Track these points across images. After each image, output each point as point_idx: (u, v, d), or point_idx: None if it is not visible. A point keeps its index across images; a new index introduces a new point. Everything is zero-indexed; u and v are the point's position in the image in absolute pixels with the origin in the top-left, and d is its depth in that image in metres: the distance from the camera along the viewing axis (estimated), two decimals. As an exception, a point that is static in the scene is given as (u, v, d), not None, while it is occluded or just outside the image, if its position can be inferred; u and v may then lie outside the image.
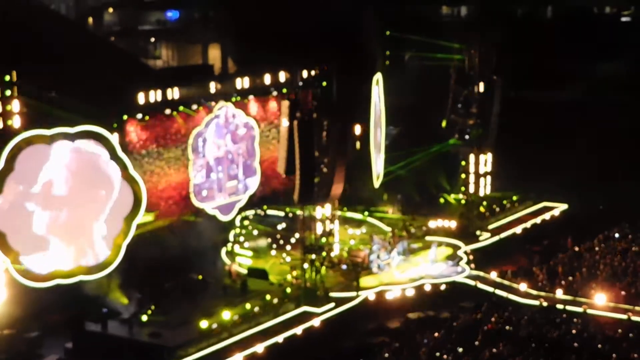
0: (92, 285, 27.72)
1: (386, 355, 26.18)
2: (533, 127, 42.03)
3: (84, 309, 27.41)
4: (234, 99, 33.44)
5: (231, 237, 34.29)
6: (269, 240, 34.19)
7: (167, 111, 31.03)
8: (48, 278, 26.93)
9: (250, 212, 35.89)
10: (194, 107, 31.91)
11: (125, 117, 29.74)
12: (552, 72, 44.06)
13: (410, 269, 32.46)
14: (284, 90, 34.88)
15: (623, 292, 29.79)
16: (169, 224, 31.49)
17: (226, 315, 27.32)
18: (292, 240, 33.84)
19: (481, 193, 39.04)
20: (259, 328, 27.30)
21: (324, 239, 32.05)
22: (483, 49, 38.31)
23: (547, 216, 38.89)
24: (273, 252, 33.57)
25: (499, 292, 30.75)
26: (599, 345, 26.06)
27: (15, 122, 26.26)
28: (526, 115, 42.68)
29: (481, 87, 38.51)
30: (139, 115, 30.21)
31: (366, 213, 38.32)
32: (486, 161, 39.83)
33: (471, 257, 33.69)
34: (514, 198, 40.25)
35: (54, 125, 26.81)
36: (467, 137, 38.73)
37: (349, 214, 37.75)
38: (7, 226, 26.35)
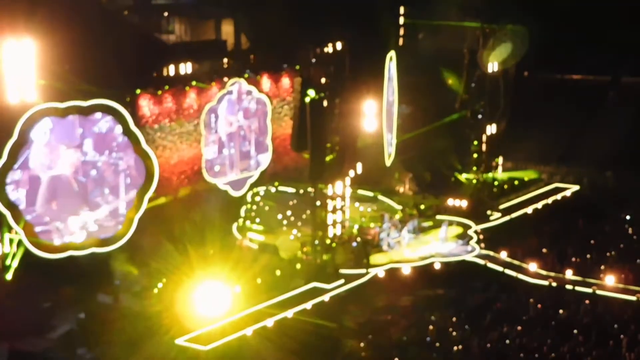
0: (104, 258, 28.02)
1: (394, 332, 26.34)
2: (546, 108, 41.79)
3: (97, 281, 27.66)
4: (246, 75, 33.44)
5: (242, 213, 34.48)
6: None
7: (180, 86, 31.10)
8: (61, 249, 27.24)
9: (261, 188, 36.01)
10: (207, 82, 31.97)
11: (138, 91, 29.83)
12: (567, 53, 43.69)
13: (420, 247, 32.55)
14: (297, 67, 34.83)
15: (633, 274, 29.77)
16: (180, 198, 31.67)
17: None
18: (303, 216, 33.98)
19: (493, 173, 38.99)
20: (268, 303, 27.49)
21: (334, 216, 32.13)
22: (497, 28, 38.07)
23: (558, 197, 38.82)
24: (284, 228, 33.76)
25: (508, 271, 30.80)
26: (608, 326, 26.11)
27: (30, 95, 26.43)
28: (540, 96, 42.45)
29: (495, 66, 38.29)
30: (152, 90, 30.29)
31: (377, 191, 38.36)
32: (498, 141, 39.74)
33: (481, 236, 33.74)
34: (526, 178, 40.17)
35: (67, 99, 26.98)
36: (479, 116, 38.61)
37: (360, 192, 37.81)
38: (21, 197, 26.64)
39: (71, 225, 27.47)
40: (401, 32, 41.86)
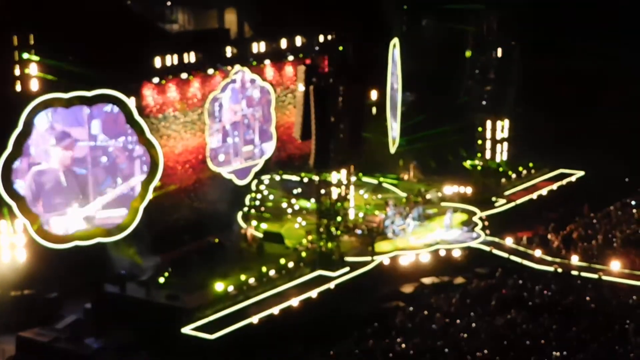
0: (110, 248, 28.09)
1: (400, 319, 26.40)
2: (552, 93, 41.64)
3: (103, 271, 27.74)
4: (254, 63, 33.37)
5: (247, 202, 34.52)
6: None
7: (184, 75, 31.07)
8: (67, 240, 27.33)
9: (265, 177, 36.03)
10: (210, 71, 31.94)
11: (142, 81, 29.79)
12: (573, 39, 43.45)
13: (425, 234, 32.55)
14: (300, 55, 34.76)
15: (639, 259, 29.74)
16: (185, 187, 31.71)
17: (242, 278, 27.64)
18: (308, 205, 34.02)
19: (497, 159, 38.91)
20: (274, 291, 27.57)
21: (339, 204, 32.13)
22: (502, 13, 37.86)
23: (563, 183, 38.75)
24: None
25: (513, 258, 30.80)
26: (614, 312, 26.12)
27: (33, 85, 26.44)
28: (545, 82, 42.27)
29: (499, 52, 38.13)
30: (156, 79, 30.27)
31: (382, 179, 38.33)
32: (503, 127, 39.61)
33: (486, 223, 33.71)
34: (531, 164, 40.08)
35: (71, 89, 26.99)
36: (484, 103, 38.48)
37: (365, 180, 37.79)
38: (26, 189, 26.69)
39: (69, 217, 27.37)
40: (405, 19, 41.64)
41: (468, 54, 38.34)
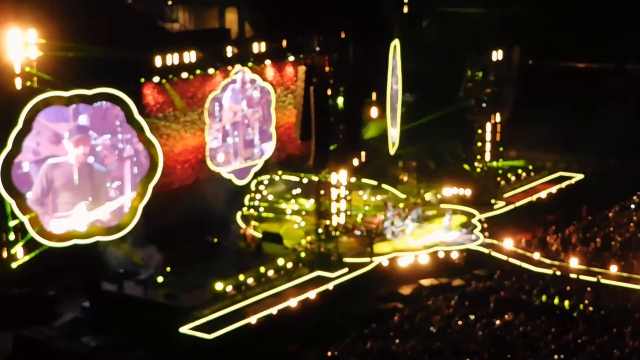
0: (108, 246, 28.09)
1: (398, 320, 26.39)
2: (551, 95, 41.66)
3: (101, 269, 27.74)
4: (250, 64, 33.40)
5: (246, 202, 34.52)
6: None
7: (184, 74, 31.06)
8: (65, 238, 27.33)
9: (265, 177, 36.04)
10: (211, 70, 31.93)
11: (142, 80, 29.80)
12: (573, 39, 43.47)
13: (424, 236, 32.56)
14: (301, 56, 34.76)
15: (637, 262, 29.75)
16: (184, 186, 31.70)
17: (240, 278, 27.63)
18: (307, 205, 34.00)
19: (497, 162, 38.89)
20: (272, 291, 27.56)
21: (338, 205, 32.15)
22: (502, 15, 37.88)
23: (562, 186, 38.76)
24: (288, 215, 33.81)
25: (512, 260, 30.80)
26: (612, 315, 26.12)
27: (34, 83, 26.43)
28: (545, 84, 42.30)
29: (499, 54, 38.14)
30: (156, 79, 30.26)
31: (380, 179, 38.33)
32: (503, 130, 39.59)
33: (485, 225, 33.72)
34: (530, 167, 40.10)
35: (71, 87, 26.98)
36: (483, 105, 38.49)
37: (364, 181, 37.80)
38: (25, 187, 26.68)
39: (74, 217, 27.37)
40: (405, 20, 41.68)
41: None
